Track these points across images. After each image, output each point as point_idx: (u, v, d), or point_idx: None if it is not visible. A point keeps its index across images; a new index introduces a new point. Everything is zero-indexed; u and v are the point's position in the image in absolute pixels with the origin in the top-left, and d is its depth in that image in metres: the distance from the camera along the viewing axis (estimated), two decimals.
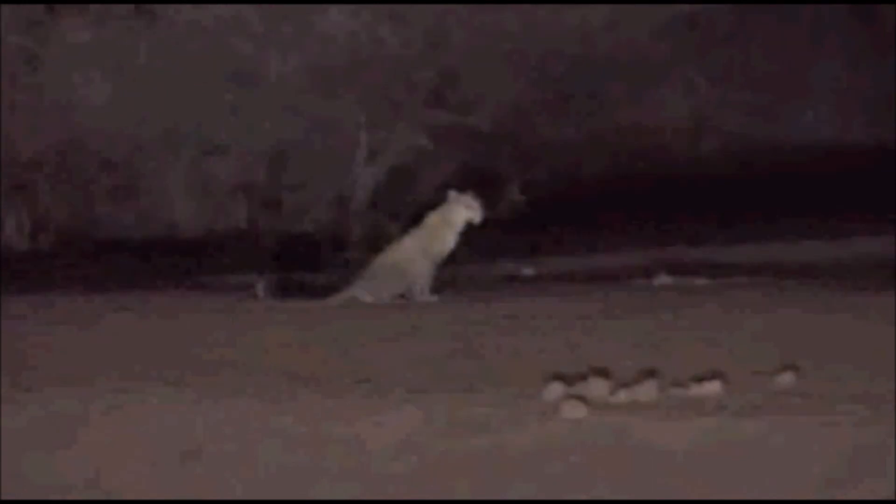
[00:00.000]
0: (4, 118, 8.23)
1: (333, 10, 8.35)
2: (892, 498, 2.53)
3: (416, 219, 5.53)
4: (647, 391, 3.22)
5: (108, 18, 8.04)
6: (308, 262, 8.09)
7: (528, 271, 6.85)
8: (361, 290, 5.33)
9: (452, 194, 5.41)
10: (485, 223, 5.35)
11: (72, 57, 8.26)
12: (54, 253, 8.63)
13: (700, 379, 3.30)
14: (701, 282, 5.85)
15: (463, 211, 5.31)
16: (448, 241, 5.35)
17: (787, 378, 3.31)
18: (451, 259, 5.47)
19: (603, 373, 3.45)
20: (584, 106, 8.66)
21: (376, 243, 6.54)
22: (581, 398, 3.16)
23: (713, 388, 3.23)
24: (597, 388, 3.27)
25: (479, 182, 6.69)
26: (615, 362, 3.67)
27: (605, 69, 8.53)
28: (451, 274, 5.71)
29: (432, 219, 5.40)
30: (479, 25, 8.07)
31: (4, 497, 3.20)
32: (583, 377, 3.40)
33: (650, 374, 3.43)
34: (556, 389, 3.28)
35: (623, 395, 3.22)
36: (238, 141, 8.48)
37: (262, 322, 5.17)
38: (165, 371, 4.12)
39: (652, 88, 9.02)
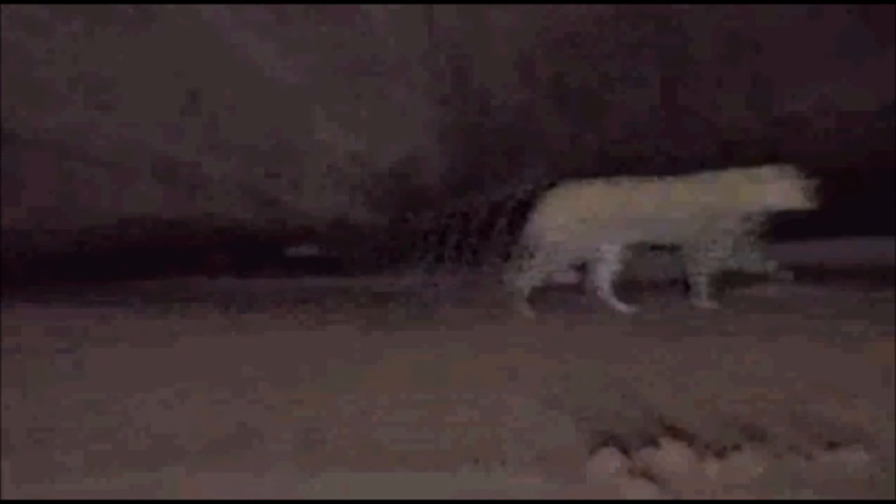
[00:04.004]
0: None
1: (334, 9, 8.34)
2: (892, 498, 2.53)
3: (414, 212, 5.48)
4: (746, 464, 2.14)
5: (108, 18, 8.04)
6: (308, 261, 8.09)
7: (568, 278, 6.65)
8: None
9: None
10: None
11: (71, 56, 8.25)
12: (54, 252, 8.63)
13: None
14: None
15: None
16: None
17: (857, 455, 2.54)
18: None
19: (677, 433, 2.36)
20: (584, 105, 8.65)
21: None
22: (647, 471, 2.17)
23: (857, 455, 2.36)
24: (674, 456, 2.18)
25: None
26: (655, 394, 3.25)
27: (605, 69, 8.52)
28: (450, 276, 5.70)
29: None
30: (479, 25, 8.07)
31: (4, 497, 3.20)
32: (644, 436, 2.30)
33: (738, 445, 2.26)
34: (609, 459, 2.22)
35: (714, 469, 2.18)
36: (238, 141, 8.48)
37: (263, 321, 5.17)
38: (164, 372, 4.13)
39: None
